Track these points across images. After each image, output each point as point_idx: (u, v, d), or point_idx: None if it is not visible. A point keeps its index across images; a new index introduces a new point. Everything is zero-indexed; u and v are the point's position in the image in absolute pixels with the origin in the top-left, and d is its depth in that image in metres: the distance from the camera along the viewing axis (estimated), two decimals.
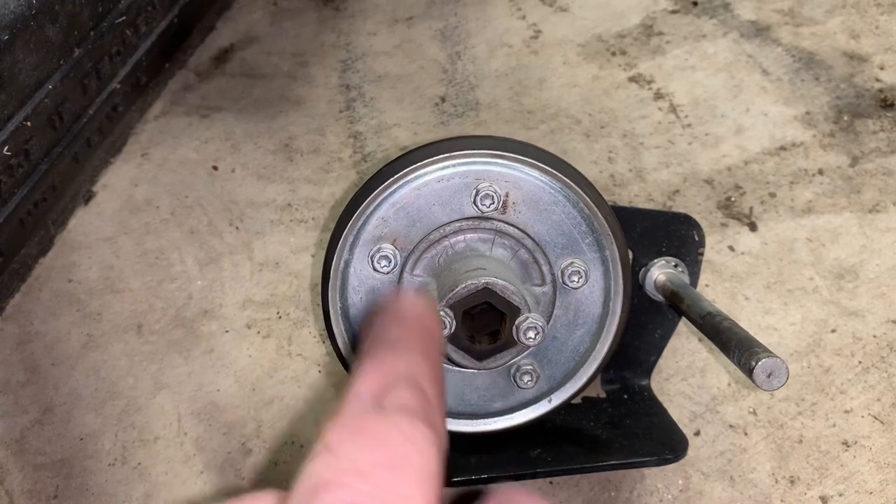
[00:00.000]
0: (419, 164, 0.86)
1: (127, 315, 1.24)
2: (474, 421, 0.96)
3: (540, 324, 0.80)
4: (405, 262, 0.89)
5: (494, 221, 0.89)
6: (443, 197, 0.87)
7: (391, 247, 0.88)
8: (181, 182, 1.42)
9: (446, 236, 0.89)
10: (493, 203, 0.86)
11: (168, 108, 1.54)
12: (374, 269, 0.88)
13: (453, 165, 0.86)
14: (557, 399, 0.96)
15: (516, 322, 0.80)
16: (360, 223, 0.88)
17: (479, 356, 0.84)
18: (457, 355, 0.85)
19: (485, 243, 0.90)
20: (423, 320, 0.54)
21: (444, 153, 0.86)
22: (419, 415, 0.43)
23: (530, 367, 0.94)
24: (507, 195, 0.87)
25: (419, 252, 0.90)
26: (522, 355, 0.93)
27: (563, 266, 0.90)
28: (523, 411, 0.97)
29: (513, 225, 0.89)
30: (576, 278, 0.90)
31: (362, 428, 0.41)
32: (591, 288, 0.91)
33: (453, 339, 0.83)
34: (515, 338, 0.81)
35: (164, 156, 1.46)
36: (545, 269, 0.91)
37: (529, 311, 0.81)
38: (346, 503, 0.37)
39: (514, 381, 0.94)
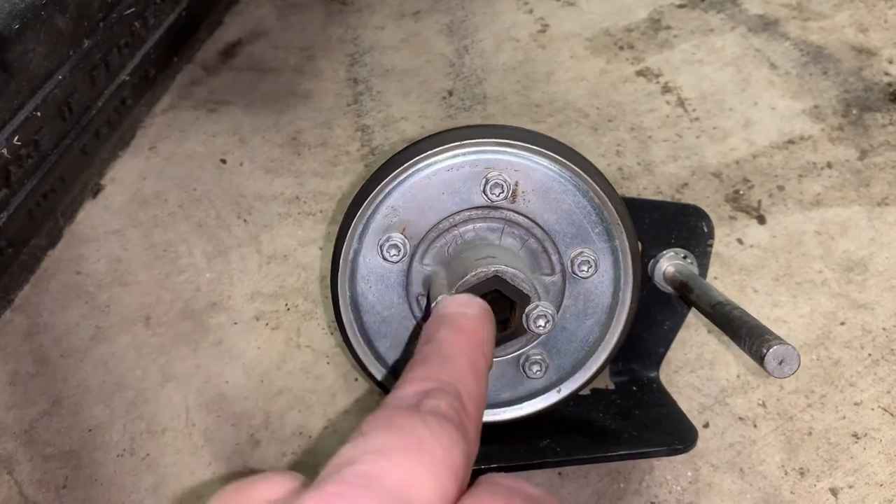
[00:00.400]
0: (429, 152, 0.86)
1: (135, 307, 1.24)
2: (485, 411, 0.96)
3: (550, 312, 0.80)
4: (414, 251, 0.89)
5: (504, 210, 0.88)
6: (452, 186, 0.87)
7: (401, 235, 0.88)
8: (189, 175, 1.42)
9: (456, 225, 0.89)
10: (503, 192, 0.86)
11: (176, 102, 1.54)
12: (384, 259, 0.88)
13: (463, 154, 0.86)
14: (566, 389, 0.96)
15: (526, 310, 0.80)
16: (369, 212, 0.88)
17: None
18: None
19: (494, 232, 0.90)
20: (479, 331, 0.58)
21: (453, 142, 0.86)
22: (452, 420, 0.47)
23: (539, 356, 0.93)
24: (516, 184, 0.87)
25: (428, 241, 0.90)
26: (532, 345, 0.93)
27: (572, 255, 0.90)
28: (532, 401, 0.97)
29: (522, 214, 0.88)
30: (585, 268, 0.89)
31: (395, 421, 0.45)
32: (601, 278, 0.91)
33: None
34: (525, 326, 0.81)
35: (172, 149, 1.46)
36: (554, 258, 0.91)
37: (539, 300, 0.80)
38: (363, 475, 0.40)
39: (524, 371, 0.94)
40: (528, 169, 0.87)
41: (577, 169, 0.86)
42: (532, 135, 0.89)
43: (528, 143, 0.86)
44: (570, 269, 0.90)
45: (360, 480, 0.40)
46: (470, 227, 0.90)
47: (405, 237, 0.88)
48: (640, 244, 1.00)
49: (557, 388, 0.96)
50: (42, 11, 1.04)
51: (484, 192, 0.87)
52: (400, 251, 0.88)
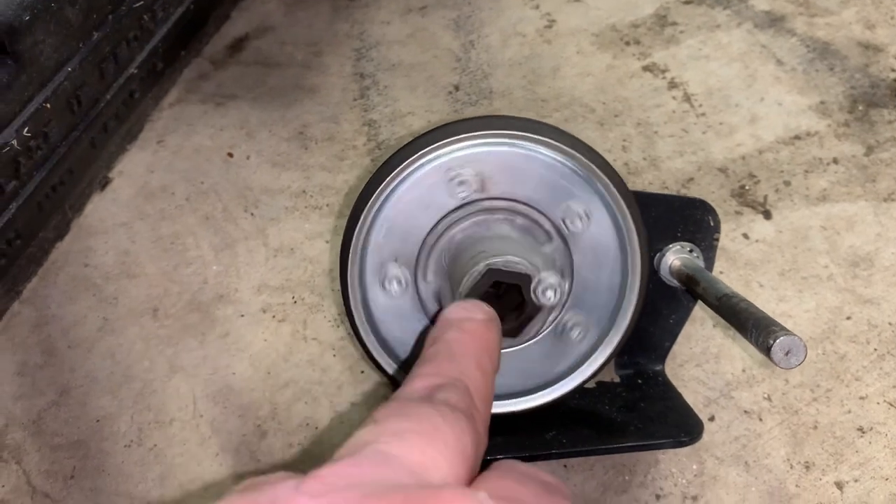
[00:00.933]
0: (386, 182, 0.87)
1: (143, 299, 1.25)
2: (548, 390, 0.97)
3: (553, 281, 0.79)
4: (415, 274, 0.90)
5: (479, 203, 0.88)
6: (422, 201, 0.88)
7: (396, 267, 0.89)
8: (196, 169, 1.42)
9: (441, 235, 0.89)
10: (469, 187, 0.87)
11: (183, 96, 1.55)
12: (391, 296, 0.90)
13: (418, 167, 0.87)
14: (614, 339, 0.95)
15: (531, 287, 0.80)
16: (359, 256, 0.89)
17: (510, 333, 0.84)
18: None
19: (480, 226, 0.90)
20: (485, 335, 0.60)
21: (402, 163, 0.87)
22: (463, 411, 0.48)
23: (576, 318, 0.93)
24: (479, 174, 0.87)
25: (424, 260, 0.90)
26: (563, 311, 0.93)
27: (561, 215, 0.89)
28: (588, 362, 0.96)
29: (498, 198, 0.88)
30: (578, 221, 0.89)
31: (408, 409, 0.47)
32: (599, 225, 0.90)
33: None
34: (537, 302, 0.81)
35: (180, 143, 1.47)
36: (547, 225, 0.90)
37: (539, 272, 0.80)
38: (381, 453, 0.41)
39: (565, 336, 0.94)
40: (485, 156, 0.87)
41: (526, 134, 0.86)
42: (467, 123, 0.89)
43: (472, 132, 0.86)
44: (565, 230, 0.90)
45: (379, 457, 0.41)
46: (456, 229, 0.90)
47: (401, 267, 0.89)
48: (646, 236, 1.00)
49: (605, 343, 0.95)
50: (52, 3, 1.05)
51: (452, 194, 0.87)
52: (402, 282, 0.89)
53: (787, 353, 0.74)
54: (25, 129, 1.08)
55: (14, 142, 1.07)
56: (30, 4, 1.01)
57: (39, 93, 1.09)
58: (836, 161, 1.35)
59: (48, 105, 1.11)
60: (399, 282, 0.89)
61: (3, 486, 1.06)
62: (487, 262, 0.80)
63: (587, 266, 0.92)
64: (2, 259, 1.17)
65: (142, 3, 1.28)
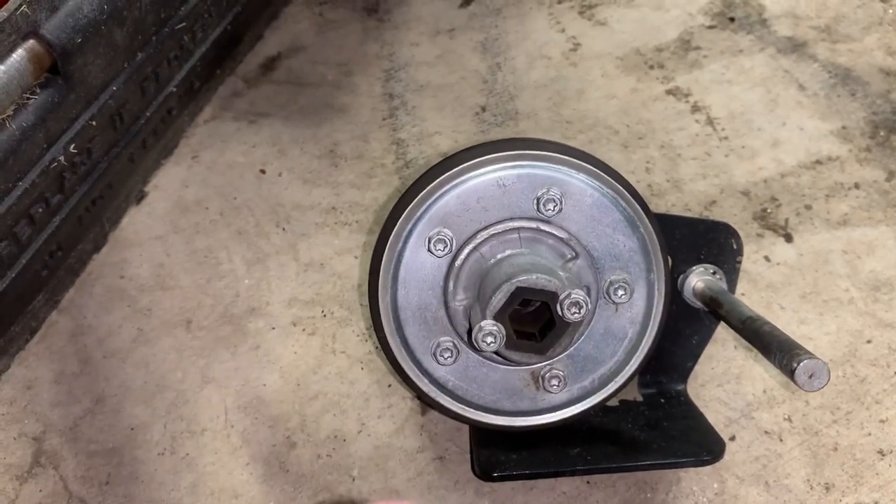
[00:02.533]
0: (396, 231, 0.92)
1: (176, 311, 1.28)
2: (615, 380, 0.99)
3: (579, 297, 0.81)
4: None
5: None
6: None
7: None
8: (230, 184, 1.46)
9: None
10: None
11: (217, 114, 1.59)
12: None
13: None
14: (661, 290, 0.96)
15: (558, 303, 0.82)
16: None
17: (540, 350, 0.87)
18: (522, 356, 0.87)
19: (508, 244, 0.93)
20: None
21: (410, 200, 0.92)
22: None
23: (622, 280, 0.94)
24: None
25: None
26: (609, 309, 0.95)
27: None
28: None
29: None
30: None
31: None
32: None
33: (510, 345, 0.86)
34: (564, 318, 0.83)
35: (214, 159, 1.51)
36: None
37: (566, 289, 0.83)
38: None
39: (609, 298, 0.95)
40: (468, 181, 0.92)
41: (530, 152, 0.91)
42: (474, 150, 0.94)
43: (481, 156, 0.91)
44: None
45: None
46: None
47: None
48: (670, 260, 1.02)
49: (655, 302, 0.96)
50: (102, 26, 1.09)
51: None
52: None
53: (810, 376, 0.76)
54: (72, 146, 1.13)
55: (61, 158, 1.11)
56: (82, 28, 1.05)
57: (86, 111, 1.14)
58: (857, 186, 1.37)
59: (93, 122, 1.15)
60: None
61: (41, 490, 1.09)
62: (516, 280, 0.82)
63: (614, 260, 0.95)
64: (44, 270, 1.21)
65: (183, 24, 1.32)
